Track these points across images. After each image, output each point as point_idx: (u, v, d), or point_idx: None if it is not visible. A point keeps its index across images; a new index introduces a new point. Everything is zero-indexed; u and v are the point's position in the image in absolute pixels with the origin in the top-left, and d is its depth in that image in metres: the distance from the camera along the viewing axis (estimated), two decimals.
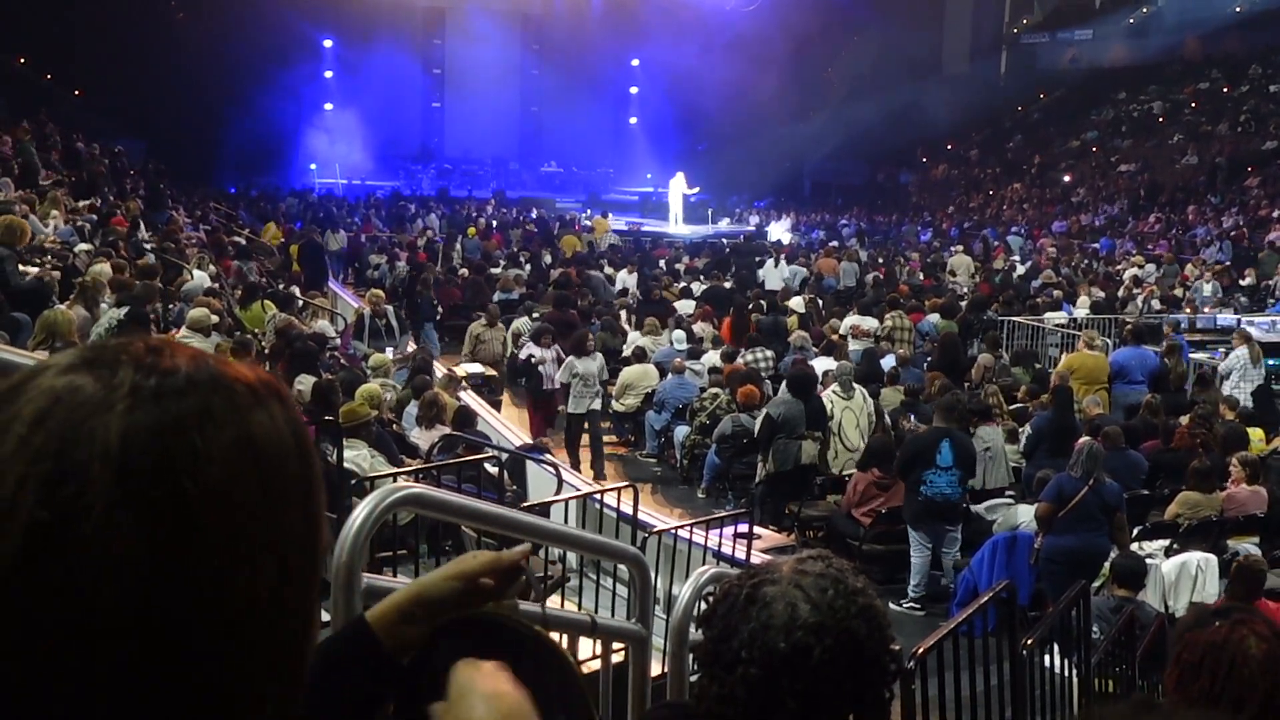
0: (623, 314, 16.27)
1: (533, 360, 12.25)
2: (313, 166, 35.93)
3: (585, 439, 11.92)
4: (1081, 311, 17.00)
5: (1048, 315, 16.37)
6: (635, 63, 41.07)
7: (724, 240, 28.74)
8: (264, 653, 0.71)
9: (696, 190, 33.37)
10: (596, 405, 11.93)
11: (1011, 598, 4.80)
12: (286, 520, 0.72)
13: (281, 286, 15.00)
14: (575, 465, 11.16)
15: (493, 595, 1.15)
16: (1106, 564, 7.40)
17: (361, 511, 2.24)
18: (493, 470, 7.96)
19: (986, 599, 4.61)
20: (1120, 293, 19.29)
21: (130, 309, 8.21)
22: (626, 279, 19.61)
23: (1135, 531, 8.28)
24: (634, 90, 41.62)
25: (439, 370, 11.51)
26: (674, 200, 33.31)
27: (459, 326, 15.70)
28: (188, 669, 0.67)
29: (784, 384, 10.64)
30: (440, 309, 16.61)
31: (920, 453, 8.65)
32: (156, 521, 0.65)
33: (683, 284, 19.09)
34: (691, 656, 2.98)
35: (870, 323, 14.79)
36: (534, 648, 1.16)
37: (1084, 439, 8.47)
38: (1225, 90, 35.40)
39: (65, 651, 0.63)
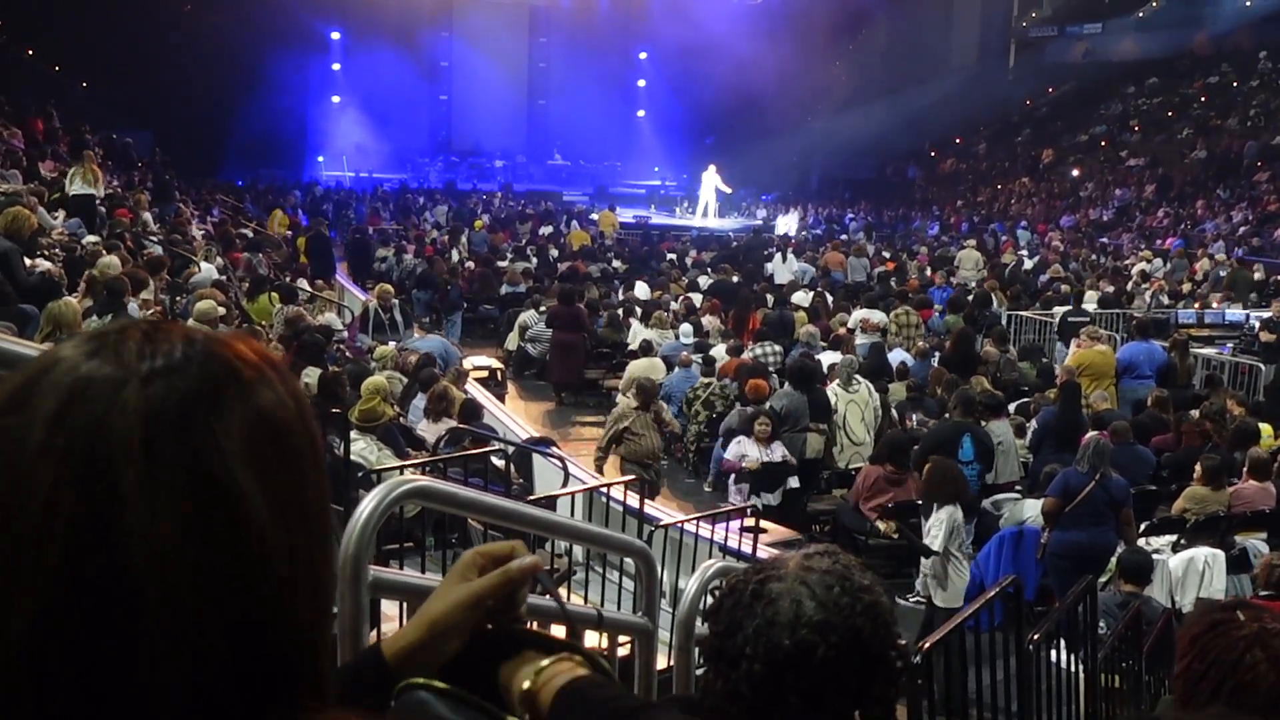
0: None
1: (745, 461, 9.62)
2: (320, 159, 35.97)
3: None
4: (1089, 306, 16.95)
5: (1055, 310, 16.34)
6: (643, 56, 40.99)
7: (730, 234, 28.73)
8: (303, 621, 0.73)
9: (729, 191, 33.56)
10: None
11: (1018, 593, 4.80)
12: (304, 486, 0.74)
13: (289, 279, 15.03)
14: None
15: (505, 606, 1.15)
16: (1113, 559, 7.39)
17: (369, 504, 2.24)
18: (499, 463, 7.96)
19: (993, 594, 4.61)
20: (1129, 287, 19.24)
21: (114, 315, 8.20)
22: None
23: (1142, 526, 8.27)
24: (641, 83, 41.54)
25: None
26: (706, 192, 33.36)
27: (465, 319, 16.59)
28: (239, 643, 0.69)
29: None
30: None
31: (941, 446, 8.61)
32: (191, 501, 0.67)
33: (689, 278, 19.11)
34: (697, 651, 2.99)
35: (879, 316, 14.77)
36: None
37: (1091, 434, 8.45)
38: (1235, 85, 35.27)
39: (120, 641, 0.65)
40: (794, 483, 9.71)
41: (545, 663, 1.10)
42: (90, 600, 0.64)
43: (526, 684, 1.14)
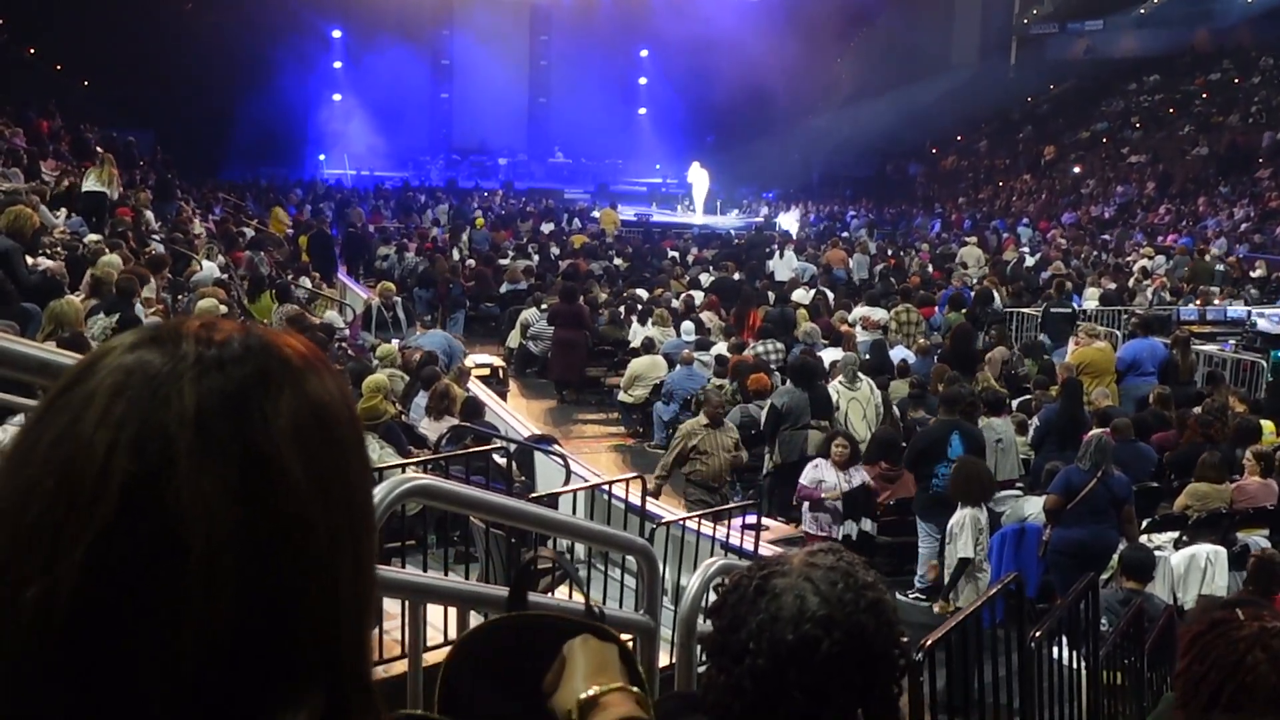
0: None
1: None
2: (322, 157, 35.96)
3: None
4: (1090, 303, 16.92)
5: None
6: (644, 53, 40.99)
7: (731, 232, 28.71)
8: (347, 606, 0.75)
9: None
10: None
11: (1020, 590, 4.80)
12: (348, 475, 0.77)
13: (290, 277, 15.03)
14: None
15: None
16: (1115, 556, 7.39)
17: None
18: (501, 461, 7.96)
19: (995, 591, 4.61)
20: (1130, 284, 19.22)
21: (120, 315, 8.20)
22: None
23: (1144, 523, 8.26)
24: (643, 81, 41.54)
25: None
26: (698, 191, 33.31)
27: (467, 317, 16.76)
28: (279, 612, 0.71)
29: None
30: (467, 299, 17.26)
31: (930, 446, 8.64)
32: (238, 472, 0.70)
33: (690, 275, 19.10)
34: (700, 648, 2.99)
35: (879, 314, 14.76)
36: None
37: (1093, 431, 8.45)
38: (1236, 82, 35.25)
39: (164, 599, 0.67)
40: (866, 524, 8.59)
41: (596, 690, 1.09)
42: (138, 556, 0.67)
43: (573, 712, 1.13)
